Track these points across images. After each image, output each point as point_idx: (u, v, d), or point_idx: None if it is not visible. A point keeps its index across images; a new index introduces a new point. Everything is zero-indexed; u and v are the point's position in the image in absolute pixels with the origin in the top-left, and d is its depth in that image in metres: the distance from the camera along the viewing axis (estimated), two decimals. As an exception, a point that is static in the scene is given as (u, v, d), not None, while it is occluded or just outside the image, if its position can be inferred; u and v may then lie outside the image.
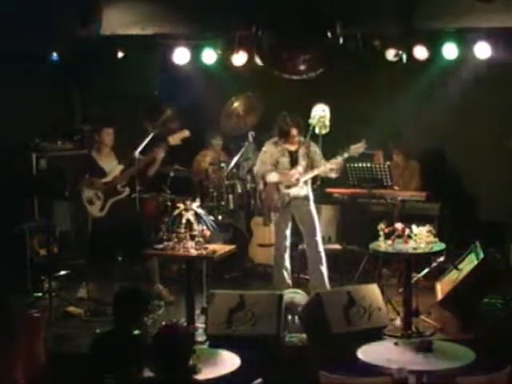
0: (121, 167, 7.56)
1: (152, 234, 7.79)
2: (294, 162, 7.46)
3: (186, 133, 7.67)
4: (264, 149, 7.59)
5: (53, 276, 7.56)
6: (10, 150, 8.55)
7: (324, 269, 7.45)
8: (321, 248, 7.45)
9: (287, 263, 7.56)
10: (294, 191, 7.43)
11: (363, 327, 6.39)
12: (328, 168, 7.39)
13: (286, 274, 7.51)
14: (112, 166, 7.56)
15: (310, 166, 7.43)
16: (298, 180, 7.37)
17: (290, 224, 7.51)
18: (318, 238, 7.46)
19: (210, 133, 9.18)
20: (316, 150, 7.51)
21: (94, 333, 6.24)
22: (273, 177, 7.45)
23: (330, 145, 7.88)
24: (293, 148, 7.48)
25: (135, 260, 7.54)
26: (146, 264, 7.62)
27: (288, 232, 7.53)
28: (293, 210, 7.47)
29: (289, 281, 7.52)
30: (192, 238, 6.60)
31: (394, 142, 8.85)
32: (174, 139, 7.59)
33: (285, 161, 7.45)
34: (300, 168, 7.43)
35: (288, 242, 7.55)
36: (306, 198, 7.46)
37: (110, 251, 7.65)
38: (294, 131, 7.37)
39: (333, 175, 7.49)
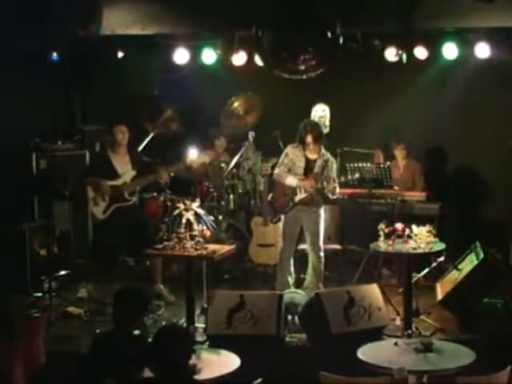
0: (133, 173, 7.53)
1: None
2: (308, 170, 7.41)
3: (205, 159, 7.70)
4: (286, 151, 7.55)
5: (53, 276, 7.55)
6: (10, 150, 8.55)
7: (322, 271, 7.47)
8: (322, 253, 7.46)
9: (292, 268, 7.57)
10: (298, 198, 7.41)
11: (363, 327, 6.40)
12: (333, 186, 7.35)
13: (289, 278, 7.52)
14: (125, 169, 7.52)
15: (322, 179, 7.38)
16: (312, 188, 7.34)
17: (298, 230, 7.50)
18: (321, 244, 7.45)
19: (213, 133, 9.16)
20: (333, 167, 7.47)
21: (93, 333, 6.23)
22: (291, 180, 7.42)
23: (330, 145, 7.89)
24: (312, 157, 7.42)
25: (141, 260, 7.54)
26: (150, 264, 7.62)
27: (296, 237, 7.52)
28: (301, 214, 7.45)
29: (292, 284, 7.51)
30: (192, 238, 6.59)
31: (397, 137, 8.82)
32: (193, 162, 7.58)
33: (300, 166, 7.41)
34: (313, 178, 7.38)
35: (294, 247, 7.55)
36: (314, 205, 7.43)
37: (113, 252, 7.66)
38: (309, 139, 7.29)
39: (330, 195, 7.46)
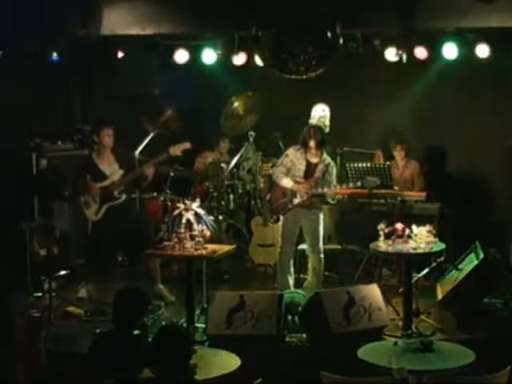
0: (121, 172, 7.52)
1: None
2: (308, 173, 7.40)
3: (186, 145, 7.64)
4: (286, 152, 7.54)
5: (53, 276, 7.55)
6: (10, 150, 8.55)
7: (322, 272, 7.48)
8: (322, 255, 7.46)
9: (292, 268, 7.57)
10: (296, 200, 7.41)
11: (363, 327, 6.40)
12: (334, 192, 7.35)
13: (289, 278, 7.52)
14: (112, 170, 7.51)
15: (322, 183, 7.38)
16: (307, 193, 7.34)
17: (298, 230, 7.50)
18: (320, 246, 7.45)
19: (218, 134, 9.15)
20: (333, 171, 7.46)
21: (94, 333, 6.23)
22: (287, 182, 7.42)
23: (332, 149, 7.90)
24: (313, 160, 7.39)
25: (136, 260, 7.54)
26: (147, 264, 7.62)
27: (295, 238, 7.52)
28: (300, 216, 7.45)
29: (291, 284, 7.52)
30: (192, 238, 6.59)
31: (396, 138, 8.82)
32: (175, 150, 7.54)
33: (300, 169, 7.40)
34: (312, 182, 7.38)
35: (294, 248, 7.55)
36: (315, 207, 7.44)
37: (111, 252, 7.66)
38: (312, 143, 7.25)
39: (330, 201, 7.45)
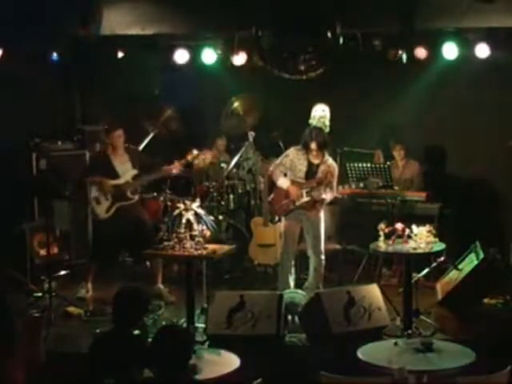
0: (134, 172, 7.53)
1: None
2: (310, 174, 7.39)
3: (207, 155, 7.71)
4: (287, 152, 7.54)
5: (53, 276, 7.55)
6: (10, 150, 8.55)
7: (322, 273, 7.48)
8: (322, 256, 7.46)
9: (292, 269, 7.58)
10: (298, 202, 7.40)
11: (363, 327, 6.39)
12: (337, 193, 7.36)
13: (290, 278, 7.53)
14: (125, 169, 7.53)
15: (324, 185, 7.37)
16: (301, 196, 7.34)
17: (299, 231, 7.50)
18: (322, 247, 7.45)
19: (215, 132, 9.16)
20: (335, 173, 7.46)
21: (94, 333, 6.23)
22: (282, 182, 7.44)
23: (330, 145, 7.89)
24: (315, 161, 7.39)
25: (141, 260, 7.55)
26: (150, 264, 7.62)
27: (297, 238, 7.52)
28: (302, 217, 7.46)
29: (292, 284, 7.52)
30: (192, 238, 6.60)
31: (395, 138, 8.83)
32: (194, 157, 7.65)
33: (302, 170, 7.40)
34: (314, 183, 7.38)
35: (295, 248, 7.55)
36: (316, 208, 7.41)
37: (113, 251, 7.66)
38: (314, 145, 7.25)
39: (327, 199, 7.47)
